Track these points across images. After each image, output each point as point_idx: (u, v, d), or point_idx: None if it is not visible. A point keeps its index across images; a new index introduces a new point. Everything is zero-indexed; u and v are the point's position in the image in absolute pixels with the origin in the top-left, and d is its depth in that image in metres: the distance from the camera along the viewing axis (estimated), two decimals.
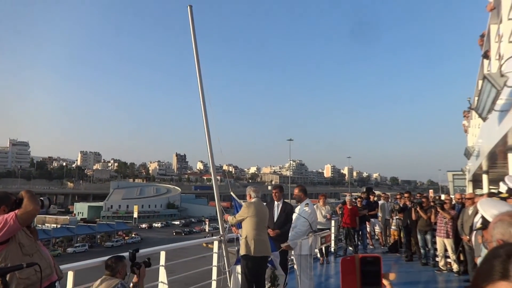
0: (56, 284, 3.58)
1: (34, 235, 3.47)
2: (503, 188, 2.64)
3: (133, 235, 77.72)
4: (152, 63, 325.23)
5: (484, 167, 12.90)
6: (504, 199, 2.39)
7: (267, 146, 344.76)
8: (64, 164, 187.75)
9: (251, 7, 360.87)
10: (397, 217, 12.69)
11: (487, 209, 2.31)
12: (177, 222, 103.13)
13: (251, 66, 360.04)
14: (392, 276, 2.49)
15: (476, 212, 6.61)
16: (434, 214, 10.24)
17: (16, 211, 3.22)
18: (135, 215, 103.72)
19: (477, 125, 13.62)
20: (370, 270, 2.29)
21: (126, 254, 4.34)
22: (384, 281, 1.85)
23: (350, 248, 11.82)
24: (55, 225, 78.14)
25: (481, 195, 8.14)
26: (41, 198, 3.50)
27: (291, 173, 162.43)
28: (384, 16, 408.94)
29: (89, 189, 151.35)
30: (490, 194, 3.67)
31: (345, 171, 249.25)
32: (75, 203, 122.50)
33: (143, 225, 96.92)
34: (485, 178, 13.86)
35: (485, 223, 2.31)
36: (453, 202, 10.81)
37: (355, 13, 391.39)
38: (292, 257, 7.51)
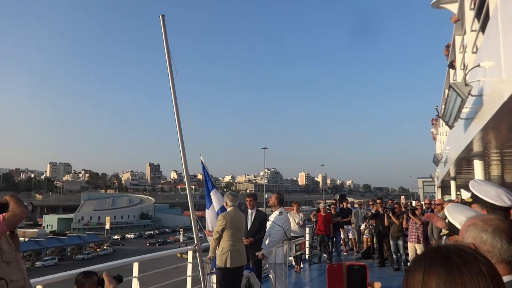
0: None
1: (15, 244, 3.36)
2: (465, 194, 2.72)
3: (105, 247, 75.99)
4: (124, 66, 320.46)
5: (452, 174, 13.27)
6: (469, 204, 2.46)
7: (241, 154, 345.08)
8: (32, 175, 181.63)
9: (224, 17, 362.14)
10: (370, 223, 12.88)
11: (454, 215, 2.37)
12: (150, 233, 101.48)
13: (225, 71, 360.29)
14: (377, 285, 2.53)
15: (445, 218, 6.79)
16: (405, 220, 10.46)
17: (4, 214, 3.11)
18: (107, 226, 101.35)
19: (444, 132, 14.04)
20: (356, 278, 2.33)
21: (96, 267, 4.24)
22: None
23: (325, 255, 11.91)
24: (22, 239, 75.23)
25: (451, 200, 8.38)
26: (25, 203, 3.41)
27: (266, 181, 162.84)
28: (358, 24, 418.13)
29: (59, 201, 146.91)
30: (462, 201, 3.80)
31: (319, 178, 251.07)
32: (44, 216, 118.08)
33: (116, 236, 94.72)
34: (453, 184, 14.26)
35: (452, 228, 2.39)
36: (424, 208, 11.08)
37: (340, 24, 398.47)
38: (266, 265, 7.51)
